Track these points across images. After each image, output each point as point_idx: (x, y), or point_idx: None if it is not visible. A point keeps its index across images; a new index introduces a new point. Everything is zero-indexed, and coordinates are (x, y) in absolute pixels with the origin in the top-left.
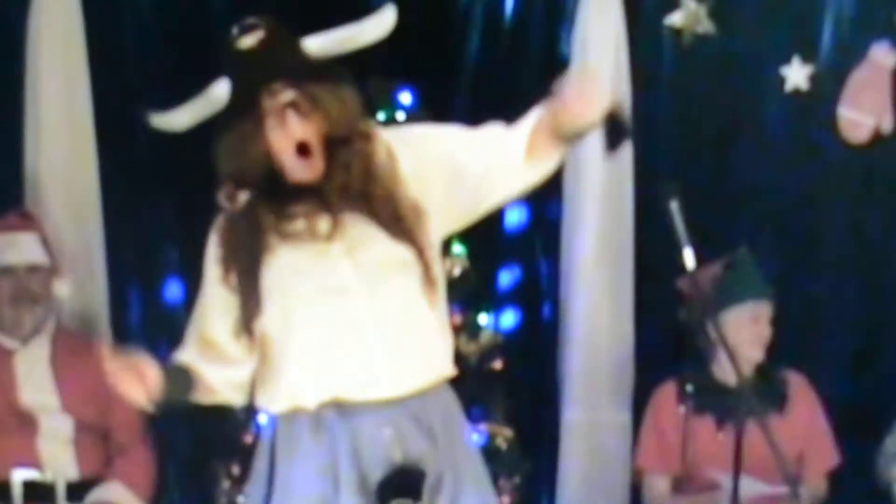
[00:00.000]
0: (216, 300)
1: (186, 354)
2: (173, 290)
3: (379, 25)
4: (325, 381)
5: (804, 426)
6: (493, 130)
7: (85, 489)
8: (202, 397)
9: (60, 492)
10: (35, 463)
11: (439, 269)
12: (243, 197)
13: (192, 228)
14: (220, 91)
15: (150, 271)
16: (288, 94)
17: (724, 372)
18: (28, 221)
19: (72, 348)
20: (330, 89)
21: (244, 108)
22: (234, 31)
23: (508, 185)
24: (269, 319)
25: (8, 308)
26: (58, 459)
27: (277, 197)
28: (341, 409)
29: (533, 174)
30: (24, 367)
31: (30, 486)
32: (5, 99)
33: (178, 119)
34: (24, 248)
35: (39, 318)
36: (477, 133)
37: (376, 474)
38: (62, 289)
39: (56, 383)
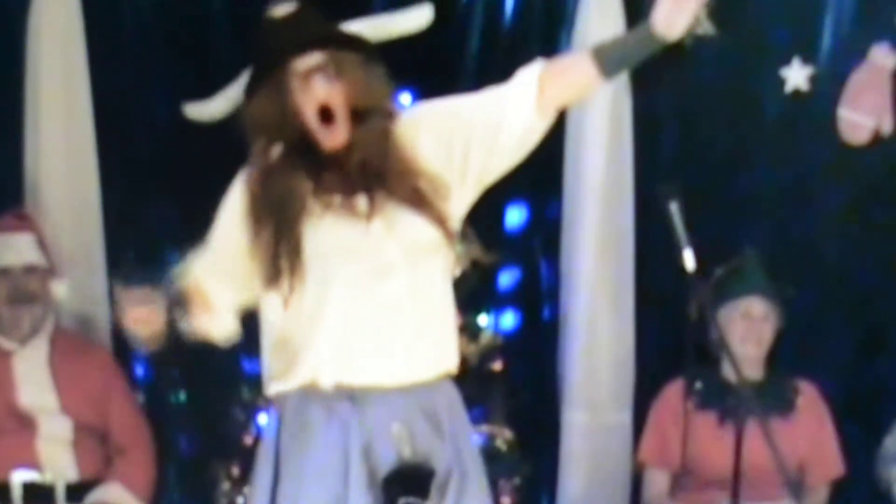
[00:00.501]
0: (226, 259)
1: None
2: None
3: (415, 19)
4: (349, 360)
5: (809, 434)
6: (506, 90)
7: (84, 490)
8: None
9: (60, 493)
10: (34, 464)
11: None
12: (276, 150)
13: (192, 228)
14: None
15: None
16: (315, 58)
17: (731, 371)
18: (24, 222)
19: (70, 349)
20: (357, 59)
21: (272, 72)
22: (269, 8)
23: (521, 141)
24: (307, 288)
25: (5, 309)
26: (57, 461)
27: (310, 161)
28: (353, 398)
29: (543, 125)
30: (22, 369)
31: (29, 488)
32: (5, 99)
33: (214, 107)
34: (20, 249)
35: (37, 319)
36: (485, 94)
37: (385, 470)
38: (60, 289)
39: (55, 384)
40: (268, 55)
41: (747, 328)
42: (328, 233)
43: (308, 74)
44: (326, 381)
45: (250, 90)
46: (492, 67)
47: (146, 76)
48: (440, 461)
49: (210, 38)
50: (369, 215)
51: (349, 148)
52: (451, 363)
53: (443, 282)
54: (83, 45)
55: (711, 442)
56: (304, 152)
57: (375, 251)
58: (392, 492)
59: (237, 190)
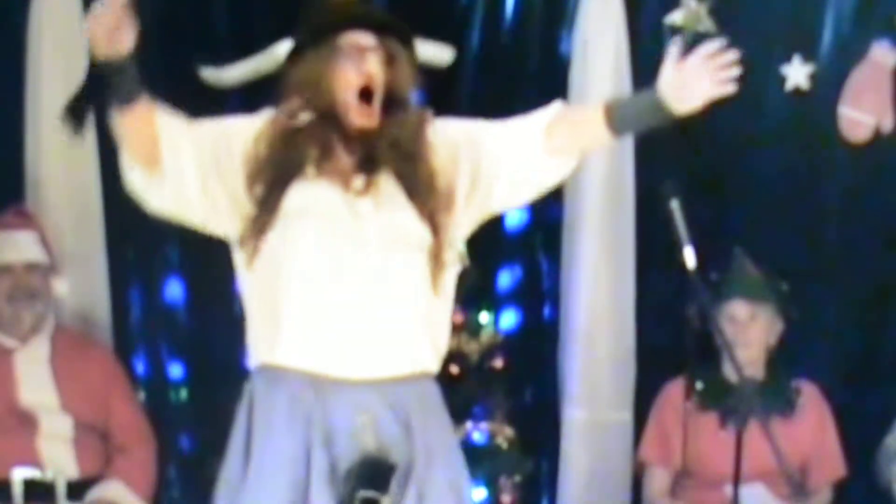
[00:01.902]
0: (204, 143)
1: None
2: (173, 290)
3: (438, 55)
4: (312, 346)
5: (811, 435)
6: (516, 124)
7: (85, 488)
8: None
9: (60, 491)
10: (35, 462)
11: (450, 262)
12: (304, 117)
13: (192, 228)
14: (281, 50)
15: (150, 271)
16: (370, 38)
17: (733, 371)
18: (26, 220)
19: (71, 347)
20: (406, 51)
21: (326, 38)
22: None
23: (526, 178)
24: (274, 239)
25: (6, 306)
26: (58, 458)
27: (331, 135)
28: (317, 387)
29: (554, 168)
30: (23, 367)
31: (30, 485)
32: (6, 98)
33: (231, 74)
34: (22, 247)
35: (38, 316)
36: (500, 126)
37: (347, 462)
38: (61, 287)
39: (56, 382)
40: (324, 24)
41: (733, 332)
42: (317, 194)
43: (361, 50)
44: (289, 363)
45: (297, 52)
46: (493, 67)
47: (147, 75)
48: (403, 456)
49: (211, 39)
50: (361, 192)
51: (379, 130)
52: (427, 364)
53: (422, 278)
54: (84, 44)
55: (712, 442)
56: (328, 125)
57: (354, 226)
58: (352, 484)
59: (256, 124)
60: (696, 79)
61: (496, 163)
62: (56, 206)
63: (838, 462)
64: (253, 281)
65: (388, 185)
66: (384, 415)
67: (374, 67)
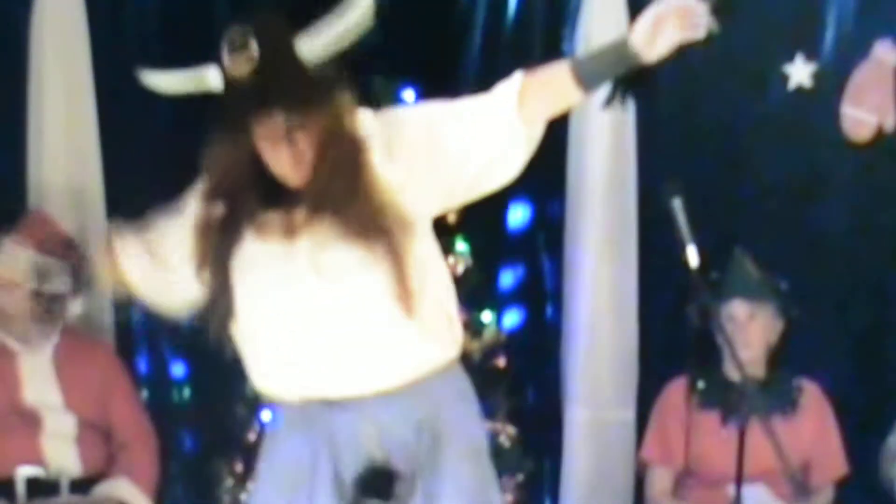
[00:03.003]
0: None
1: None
2: None
3: (358, 9)
4: (293, 378)
5: (812, 434)
6: (483, 100)
7: (88, 486)
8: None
9: (64, 488)
10: (39, 460)
11: (422, 276)
12: (218, 210)
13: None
14: (208, 76)
15: None
16: (281, 121)
17: (734, 370)
18: (68, 251)
19: (75, 347)
20: (324, 108)
21: (237, 130)
22: (226, 44)
23: (501, 150)
24: (240, 312)
25: (21, 322)
26: (61, 457)
27: (260, 192)
28: (323, 402)
29: (527, 139)
30: (27, 366)
31: (33, 483)
32: (8, 99)
33: (160, 81)
34: (56, 279)
35: (48, 333)
36: (465, 104)
37: (351, 472)
38: (76, 307)
39: (59, 381)
40: (229, 116)
41: (733, 331)
42: (253, 252)
43: (274, 136)
44: (286, 396)
45: (212, 139)
46: (494, 65)
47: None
48: (409, 463)
49: (213, 39)
50: (297, 233)
51: (310, 178)
52: (434, 361)
53: (381, 301)
54: (86, 45)
55: (714, 441)
56: (254, 183)
57: (289, 267)
58: (357, 493)
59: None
60: (666, 23)
61: (466, 142)
62: (59, 207)
63: (840, 461)
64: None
65: (325, 219)
66: (390, 424)
67: (288, 154)
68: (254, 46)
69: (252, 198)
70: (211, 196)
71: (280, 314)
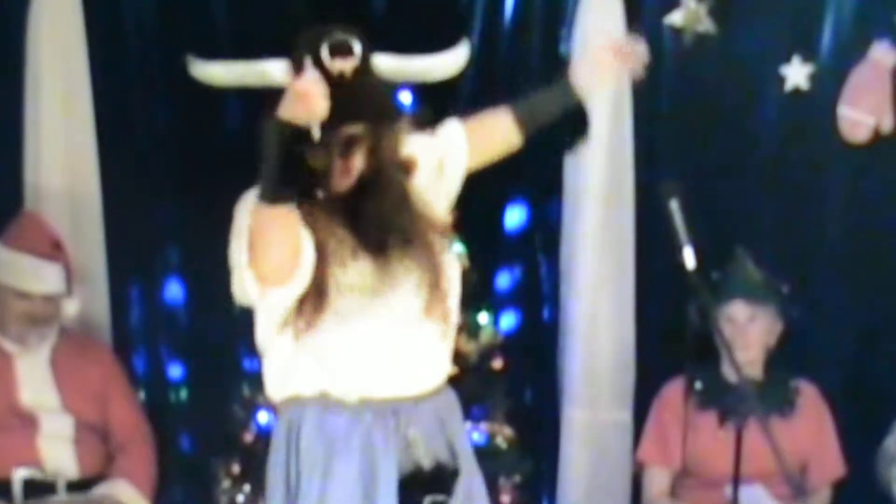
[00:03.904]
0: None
1: None
2: (173, 291)
3: (452, 64)
4: (365, 376)
5: (810, 435)
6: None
7: (85, 487)
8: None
9: (61, 490)
10: (36, 462)
11: (450, 280)
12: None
13: (192, 229)
14: (271, 69)
15: (150, 271)
16: (356, 128)
17: (732, 371)
18: (58, 252)
19: (72, 348)
20: (391, 129)
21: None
22: (329, 43)
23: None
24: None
25: (15, 325)
26: (58, 458)
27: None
28: (372, 407)
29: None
30: (24, 368)
31: (30, 485)
32: (5, 99)
33: (217, 73)
34: (46, 280)
35: (43, 335)
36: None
37: (406, 473)
38: (71, 308)
39: (56, 383)
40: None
41: (732, 332)
42: (353, 274)
43: (345, 142)
44: (345, 394)
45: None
46: (492, 67)
47: (147, 77)
48: (450, 463)
49: (212, 39)
50: (389, 254)
51: (361, 195)
52: (443, 372)
53: (422, 307)
54: (84, 45)
55: (712, 442)
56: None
57: (392, 287)
58: (416, 492)
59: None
60: (605, 61)
61: (438, 171)
62: (56, 209)
63: (837, 462)
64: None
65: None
66: (431, 428)
67: (357, 161)
68: (358, 50)
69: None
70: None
71: (365, 320)
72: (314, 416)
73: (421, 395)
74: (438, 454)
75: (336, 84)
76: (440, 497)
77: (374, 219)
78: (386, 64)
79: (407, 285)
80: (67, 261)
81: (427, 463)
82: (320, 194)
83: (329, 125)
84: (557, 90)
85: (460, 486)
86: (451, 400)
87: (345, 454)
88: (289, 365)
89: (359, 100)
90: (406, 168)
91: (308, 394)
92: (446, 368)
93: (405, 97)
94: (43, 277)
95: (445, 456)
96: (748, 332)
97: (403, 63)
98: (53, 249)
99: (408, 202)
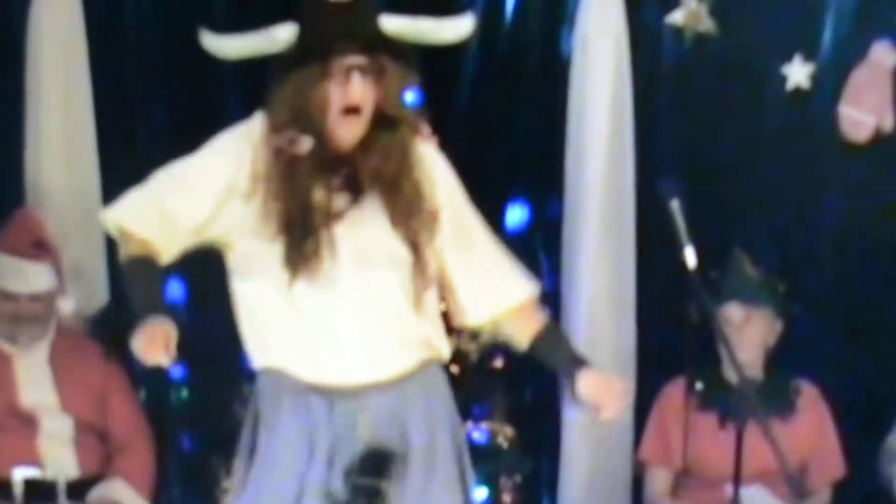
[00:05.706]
0: (198, 195)
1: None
2: (173, 290)
3: (457, 29)
4: (319, 359)
5: (810, 436)
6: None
7: (85, 487)
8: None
9: (61, 490)
10: (36, 462)
11: (432, 276)
12: (307, 143)
13: None
14: (281, 34)
15: None
16: (359, 59)
17: (732, 371)
18: (42, 252)
19: (71, 348)
20: (398, 68)
21: (314, 59)
22: None
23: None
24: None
25: (5, 325)
26: (58, 458)
27: (322, 161)
28: (324, 393)
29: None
30: (23, 368)
31: (31, 485)
32: (6, 100)
33: (230, 45)
34: (29, 280)
35: (36, 335)
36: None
37: (347, 457)
38: (66, 306)
39: (55, 383)
40: (311, 42)
41: (730, 333)
42: (340, 236)
43: (348, 70)
44: (299, 374)
45: (285, 68)
46: (493, 66)
47: (147, 76)
48: (401, 450)
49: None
50: (340, 216)
51: (363, 152)
52: (411, 361)
53: (400, 293)
54: (84, 45)
55: (712, 442)
56: (319, 151)
57: (329, 246)
58: (352, 473)
59: (247, 144)
60: (604, 398)
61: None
62: (56, 209)
63: (838, 462)
64: (244, 291)
65: (371, 205)
66: (384, 414)
67: (357, 89)
68: None
69: (317, 155)
70: (284, 126)
71: (309, 293)
72: (270, 388)
73: (376, 382)
74: (390, 439)
75: (336, 10)
76: (370, 481)
77: (373, 178)
78: (394, 24)
79: (359, 257)
80: (56, 259)
81: (373, 446)
82: (308, 145)
83: (329, 54)
84: (568, 365)
85: (414, 473)
86: (432, 388)
87: (293, 414)
88: (260, 333)
89: (357, 25)
90: (412, 127)
91: (262, 366)
92: (420, 355)
93: (407, 96)
94: (26, 277)
95: (396, 443)
96: (744, 333)
97: (412, 24)
98: (36, 249)
99: (409, 165)
